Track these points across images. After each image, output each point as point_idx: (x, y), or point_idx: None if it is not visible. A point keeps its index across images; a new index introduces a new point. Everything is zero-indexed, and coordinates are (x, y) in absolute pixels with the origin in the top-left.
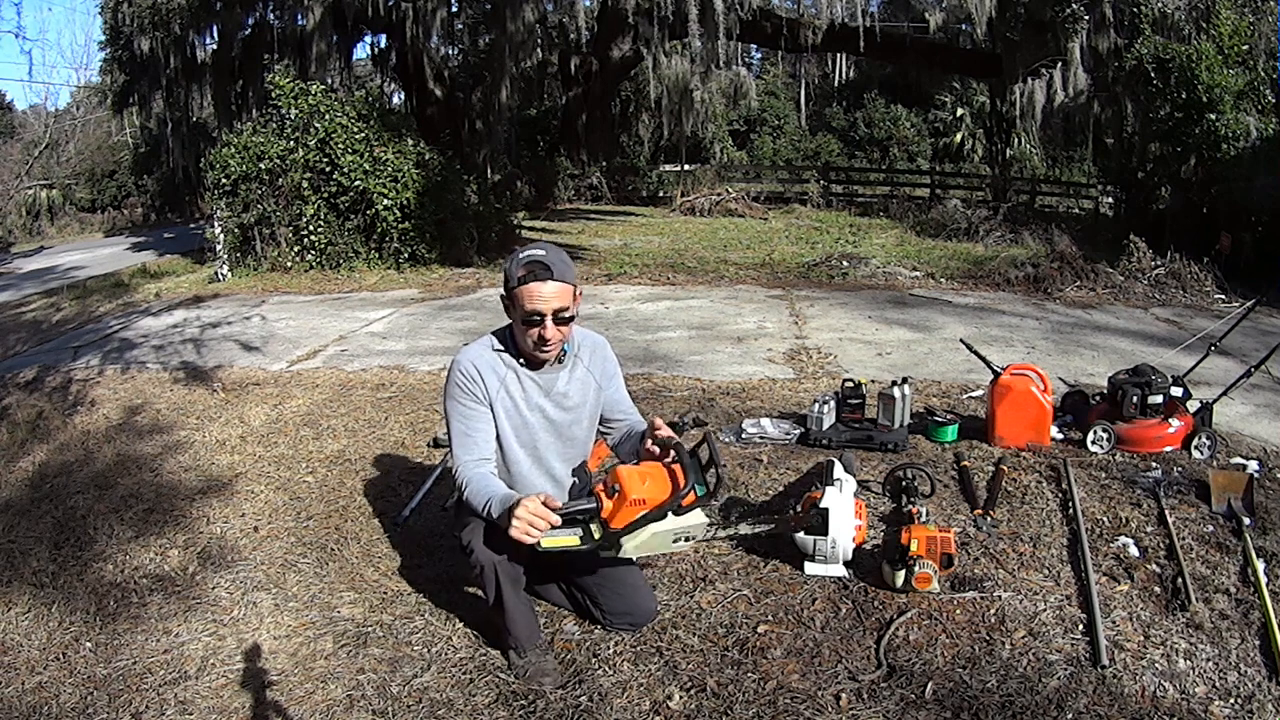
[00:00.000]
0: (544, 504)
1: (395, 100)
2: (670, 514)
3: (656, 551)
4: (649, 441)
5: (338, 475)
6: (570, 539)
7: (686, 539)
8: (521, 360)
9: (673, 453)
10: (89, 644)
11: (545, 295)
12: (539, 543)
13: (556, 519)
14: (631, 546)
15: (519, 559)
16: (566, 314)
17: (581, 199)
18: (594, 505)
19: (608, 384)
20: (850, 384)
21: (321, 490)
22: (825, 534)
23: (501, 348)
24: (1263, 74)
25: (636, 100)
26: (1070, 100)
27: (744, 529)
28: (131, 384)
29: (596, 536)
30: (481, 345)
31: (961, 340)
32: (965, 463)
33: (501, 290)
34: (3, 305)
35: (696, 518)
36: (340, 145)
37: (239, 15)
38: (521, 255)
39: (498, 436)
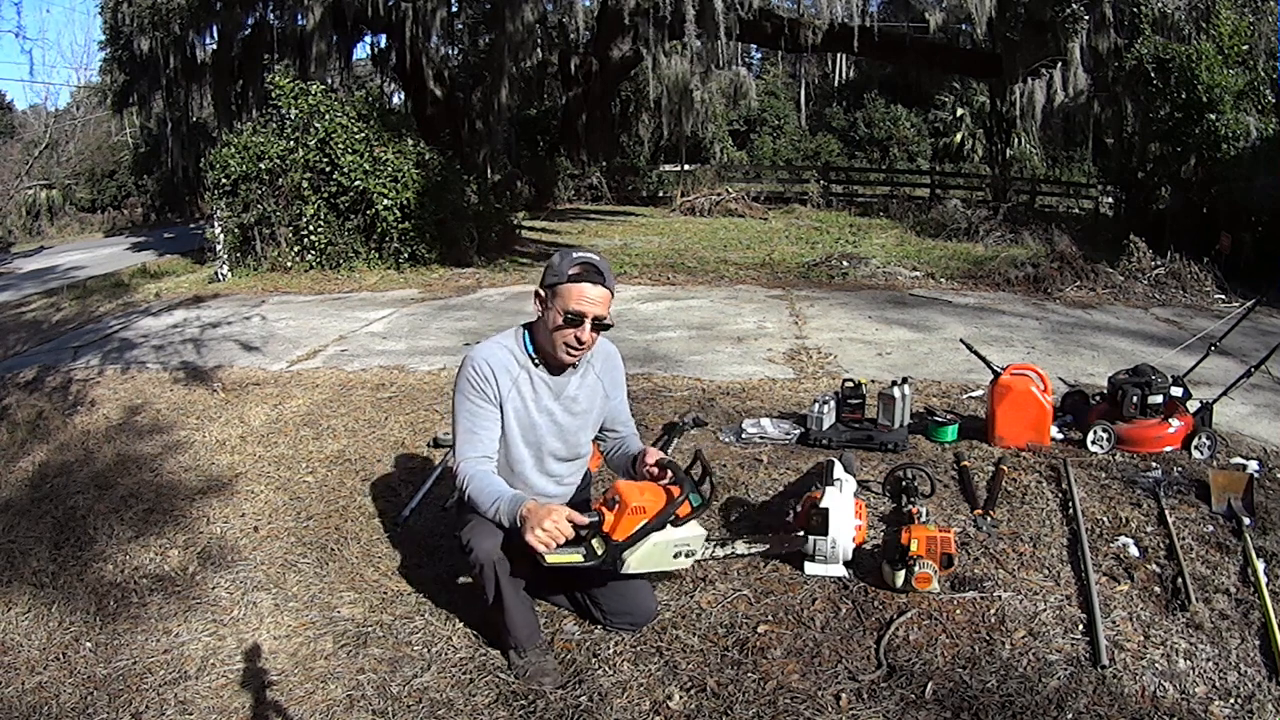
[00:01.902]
0: (567, 519)
1: (395, 100)
2: (669, 525)
3: (658, 568)
4: (648, 464)
5: (338, 475)
6: (574, 556)
7: (687, 554)
8: (536, 361)
9: (669, 472)
10: (89, 644)
11: (593, 298)
12: (544, 558)
13: (572, 532)
14: (634, 560)
15: (519, 560)
16: (605, 321)
17: (581, 199)
18: (598, 518)
19: (614, 393)
20: (850, 384)
21: (321, 490)
22: (825, 534)
23: (517, 347)
24: (1263, 74)
25: (636, 100)
26: (1070, 100)
27: (740, 549)
28: (131, 384)
29: (599, 552)
30: (496, 344)
31: (961, 340)
32: (965, 463)
33: (538, 287)
34: (3, 305)
35: (695, 530)
36: (340, 145)
37: (239, 15)
38: (574, 255)
39: (504, 435)
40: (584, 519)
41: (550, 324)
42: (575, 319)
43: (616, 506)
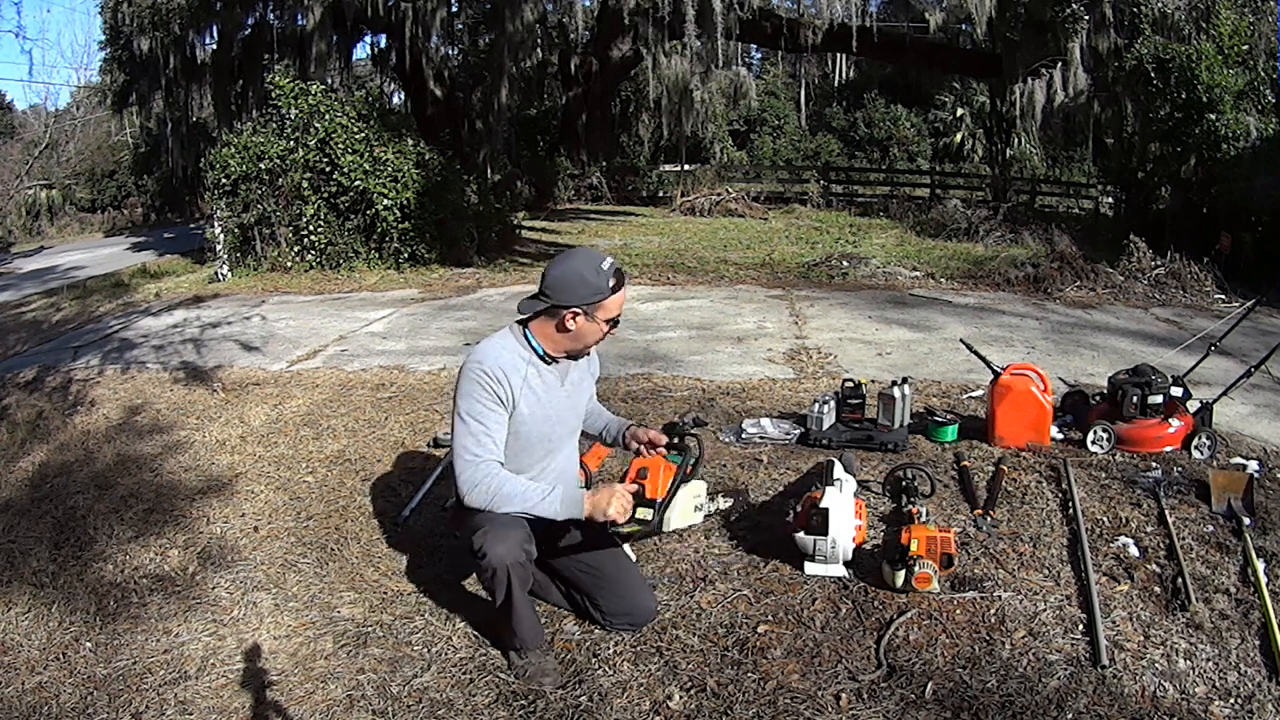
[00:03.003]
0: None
1: (395, 100)
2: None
3: (687, 522)
4: (640, 443)
5: (338, 475)
6: (634, 527)
7: (699, 506)
8: (549, 360)
9: (662, 449)
10: (89, 644)
11: (623, 298)
12: (621, 531)
13: (631, 502)
14: (674, 517)
15: (533, 558)
16: None
17: (581, 199)
18: (639, 489)
19: (597, 373)
20: (850, 384)
21: (321, 490)
22: (825, 534)
23: (521, 347)
24: (1263, 74)
25: (636, 100)
26: (1070, 100)
27: (720, 504)
28: (131, 384)
29: (649, 520)
30: (498, 346)
31: (961, 340)
32: (965, 463)
33: (576, 306)
34: (3, 305)
35: (700, 484)
36: (340, 145)
37: (239, 15)
38: (603, 265)
39: (515, 433)
40: (634, 488)
41: (595, 333)
42: (617, 322)
43: (648, 475)
